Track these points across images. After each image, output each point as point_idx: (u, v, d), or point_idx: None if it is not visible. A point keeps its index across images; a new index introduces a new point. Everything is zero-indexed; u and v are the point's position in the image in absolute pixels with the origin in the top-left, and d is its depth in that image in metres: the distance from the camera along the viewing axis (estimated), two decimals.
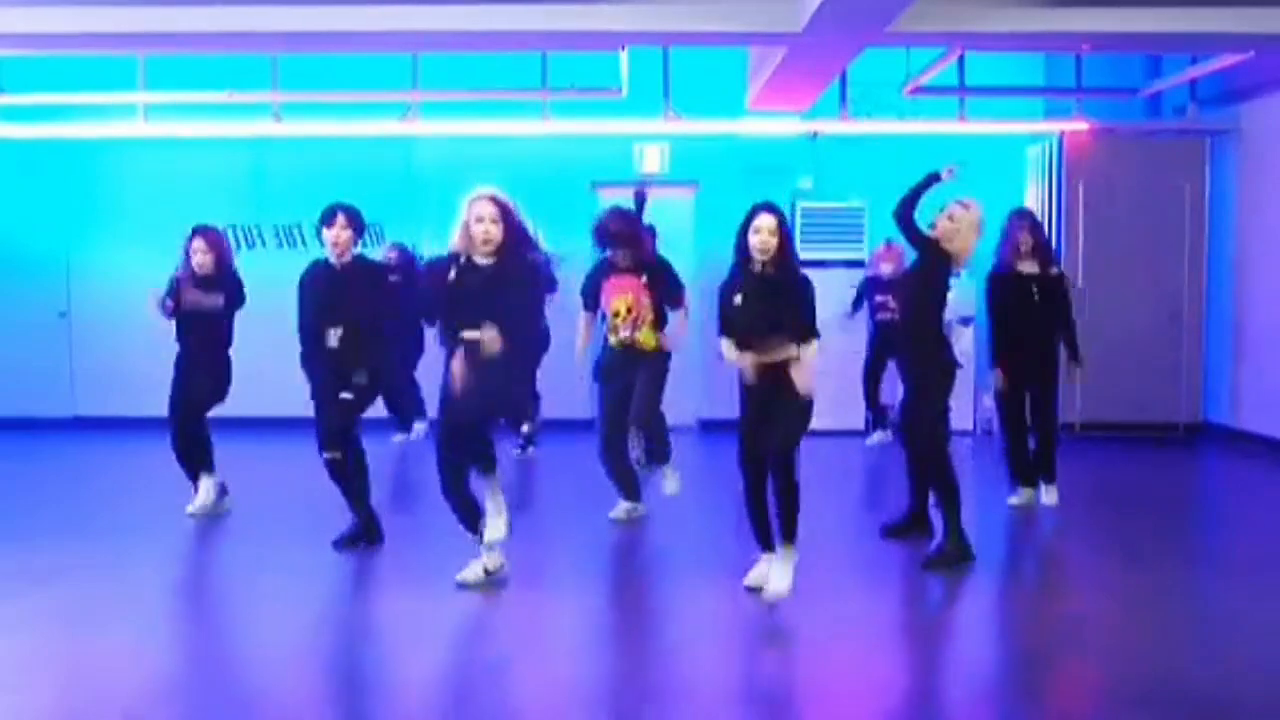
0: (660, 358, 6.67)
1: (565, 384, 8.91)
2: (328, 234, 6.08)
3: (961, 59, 9.28)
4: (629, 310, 6.56)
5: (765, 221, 5.14)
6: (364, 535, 6.19)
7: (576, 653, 4.94)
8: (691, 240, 10.77)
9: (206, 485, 6.99)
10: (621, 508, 6.87)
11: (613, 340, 6.64)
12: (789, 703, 4.43)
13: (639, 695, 4.38)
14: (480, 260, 5.27)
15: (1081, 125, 10.17)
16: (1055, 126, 10.33)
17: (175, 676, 4.58)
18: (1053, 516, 7.58)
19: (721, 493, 7.78)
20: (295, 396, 6.98)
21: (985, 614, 5.61)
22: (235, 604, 5.78)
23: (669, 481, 6.88)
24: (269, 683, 4.54)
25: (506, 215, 5.24)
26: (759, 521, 5.29)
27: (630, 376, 6.63)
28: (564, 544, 6.53)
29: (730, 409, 9.44)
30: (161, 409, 7.17)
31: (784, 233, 5.19)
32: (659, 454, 6.91)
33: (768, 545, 5.28)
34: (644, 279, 6.58)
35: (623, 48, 8.72)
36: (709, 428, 10.29)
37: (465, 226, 5.23)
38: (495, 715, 4.21)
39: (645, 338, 6.58)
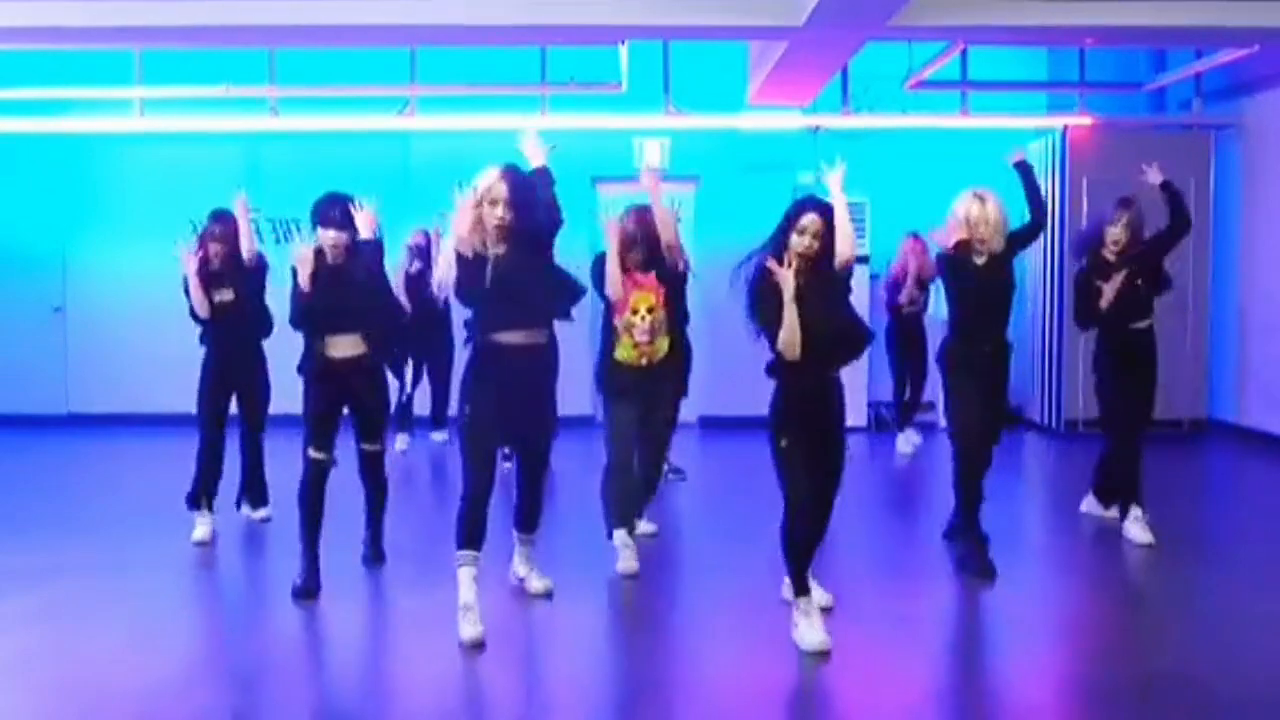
0: (675, 374, 6.08)
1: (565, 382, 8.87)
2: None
3: (964, 53, 9.23)
4: (650, 311, 5.72)
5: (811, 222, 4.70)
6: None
7: (585, 654, 4.89)
8: (693, 236, 10.70)
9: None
10: (620, 536, 5.90)
11: (626, 352, 5.76)
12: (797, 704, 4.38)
13: (656, 699, 4.33)
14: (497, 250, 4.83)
15: (1085, 120, 10.12)
16: (1058, 121, 10.27)
17: (172, 676, 4.52)
18: (1057, 515, 7.55)
19: (728, 494, 7.77)
20: (291, 394, 6.92)
21: (987, 611, 5.56)
22: (232, 602, 5.73)
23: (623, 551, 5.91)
24: (269, 682, 4.49)
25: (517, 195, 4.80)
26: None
27: (647, 397, 5.90)
28: (570, 542, 6.45)
29: (731, 406, 9.37)
30: (156, 406, 7.09)
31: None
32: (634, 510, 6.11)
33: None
34: (662, 286, 5.81)
35: (622, 42, 8.67)
36: (710, 425, 10.24)
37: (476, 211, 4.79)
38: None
39: (661, 345, 5.82)
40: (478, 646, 4.70)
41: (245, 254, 6.45)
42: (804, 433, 4.71)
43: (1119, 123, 10.40)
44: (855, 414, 9.90)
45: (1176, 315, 10.25)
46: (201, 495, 6.65)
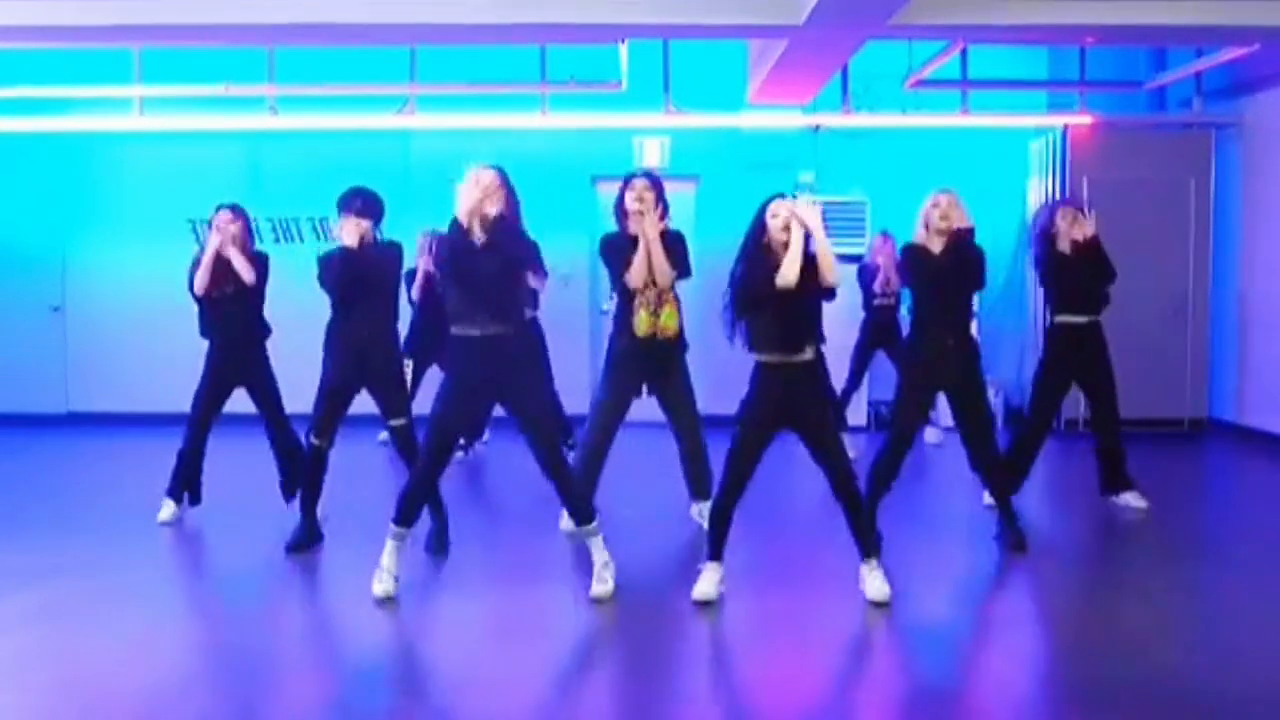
0: (683, 356, 6.25)
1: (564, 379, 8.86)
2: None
3: (964, 52, 9.21)
4: (653, 284, 6.02)
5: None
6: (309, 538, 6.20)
7: (594, 641, 4.89)
8: (693, 235, 10.68)
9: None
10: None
11: (643, 324, 6.00)
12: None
13: (665, 690, 4.33)
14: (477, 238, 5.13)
15: (1085, 119, 10.11)
16: (1058, 120, 10.26)
17: (172, 675, 4.51)
18: (1055, 513, 7.55)
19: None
20: (293, 391, 6.92)
21: (986, 609, 5.57)
22: (230, 602, 5.71)
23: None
24: (271, 681, 4.48)
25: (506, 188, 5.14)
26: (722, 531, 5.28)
27: (646, 378, 6.19)
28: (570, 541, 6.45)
29: (732, 405, 9.38)
30: (155, 405, 7.10)
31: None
32: (705, 483, 6.36)
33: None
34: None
35: (622, 40, 8.65)
36: (710, 424, 10.19)
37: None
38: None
39: (669, 319, 6.05)
40: (387, 600, 5.22)
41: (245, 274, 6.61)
42: (770, 422, 5.10)
43: (1119, 121, 10.39)
44: (855, 414, 9.93)
45: (1177, 315, 10.26)
46: (179, 490, 6.87)
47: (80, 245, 11.24)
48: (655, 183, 6.17)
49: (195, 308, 6.74)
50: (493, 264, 5.07)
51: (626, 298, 6.08)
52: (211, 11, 7.07)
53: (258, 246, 6.87)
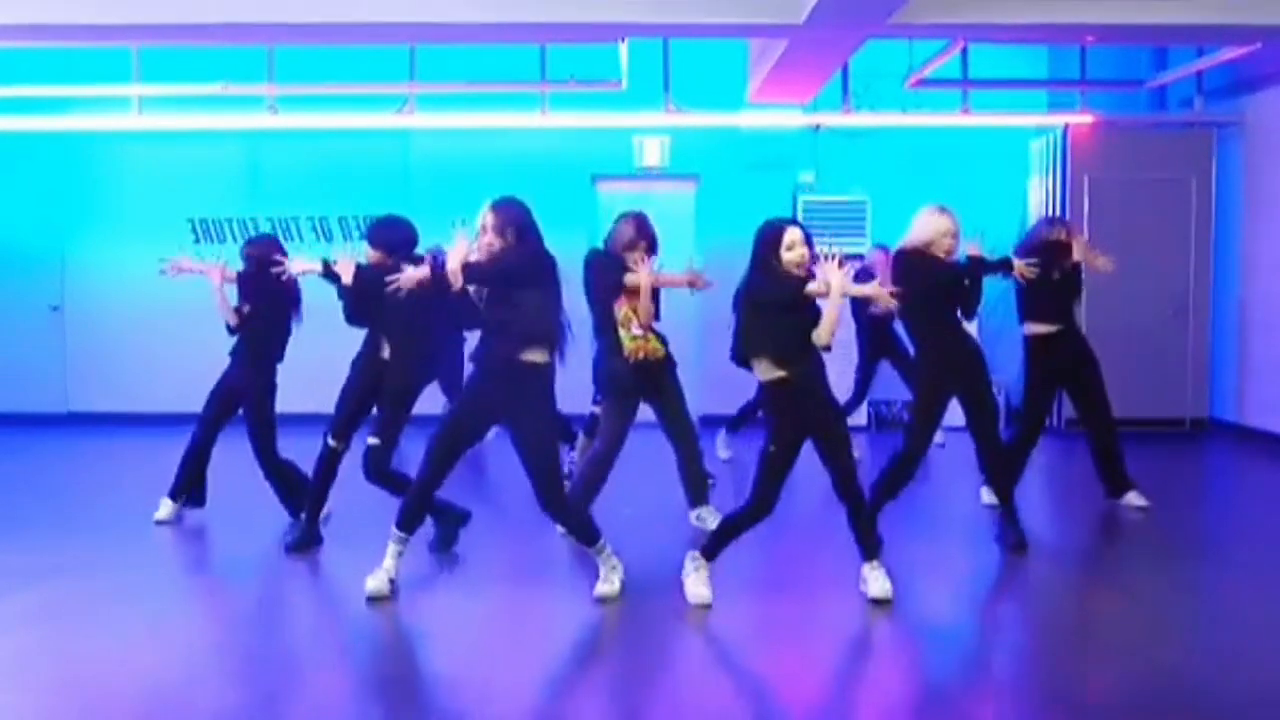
0: (674, 372, 6.39)
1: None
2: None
3: (964, 51, 9.20)
4: (635, 311, 6.22)
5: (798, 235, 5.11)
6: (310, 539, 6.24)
7: (599, 641, 4.89)
8: (693, 234, 10.70)
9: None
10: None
11: (629, 344, 6.16)
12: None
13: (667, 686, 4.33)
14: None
15: (1086, 118, 10.10)
16: (1059, 119, 10.25)
17: (172, 675, 4.50)
18: (1055, 513, 7.55)
19: (729, 490, 7.75)
20: (292, 392, 6.91)
21: (986, 609, 5.56)
22: (230, 602, 5.72)
23: (711, 520, 6.26)
24: (271, 681, 4.47)
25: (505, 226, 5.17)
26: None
27: (643, 395, 6.31)
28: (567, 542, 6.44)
29: (731, 404, 9.34)
30: (155, 405, 7.09)
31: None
32: (702, 489, 6.63)
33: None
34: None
35: (622, 40, 8.64)
36: (710, 424, 10.21)
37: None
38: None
39: (655, 343, 6.24)
40: (377, 599, 5.23)
41: (227, 318, 6.67)
42: (794, 440, 5.09)
43: (1120, 121, 10.38)
44: (856, 414, 9.90)
45: (1177, 314, 10.26)
46: (179, 492, 6.86)
47: (79, 244, 11.23)
48: (650, 234, 6.28)
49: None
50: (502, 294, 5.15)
51: (609, 321, 6.20)
52: (211, 11, 7.06)
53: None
